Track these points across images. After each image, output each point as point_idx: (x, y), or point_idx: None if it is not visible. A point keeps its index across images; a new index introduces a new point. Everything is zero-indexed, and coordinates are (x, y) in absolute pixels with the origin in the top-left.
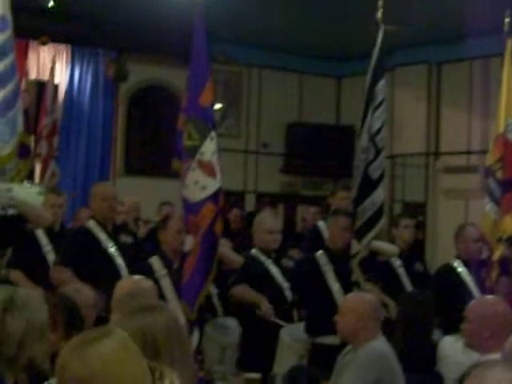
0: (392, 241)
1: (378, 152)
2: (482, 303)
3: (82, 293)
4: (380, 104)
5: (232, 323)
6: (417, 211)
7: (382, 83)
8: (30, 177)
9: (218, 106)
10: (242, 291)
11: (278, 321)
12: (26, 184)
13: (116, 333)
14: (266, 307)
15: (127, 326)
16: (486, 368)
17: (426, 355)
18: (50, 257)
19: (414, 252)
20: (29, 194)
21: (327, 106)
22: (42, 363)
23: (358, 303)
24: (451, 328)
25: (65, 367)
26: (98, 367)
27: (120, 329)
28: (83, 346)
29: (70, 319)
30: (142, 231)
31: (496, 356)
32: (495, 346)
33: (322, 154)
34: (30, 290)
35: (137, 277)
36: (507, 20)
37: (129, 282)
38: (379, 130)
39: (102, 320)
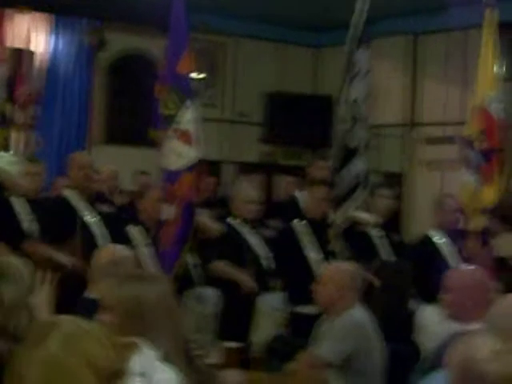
0: (370, 211)
1: (356, 122)
2: (461, 273)
3: None
4: (357, 74)
5: (210, 293)
6: (394, 182)
7: (360, 53)
8: (6, 145)
9: (201, 75)
10: (222, 269)
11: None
12: (0, 153)
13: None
14: (248, 284)
15: (118, 293)
16: (474, 336)
17: (402, 324)
18: (26, 225)
19: (392, 222)
20: (4, 162)
21: (306, 76)
22: (23, 330)
23: (336, 273)
24: (428, 298)
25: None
26: (38, 372)
27: (110, 296)
28: (25, 351)
29: None
30: (118, 200)
31: (477, 326)
32: (477, 315)
33: (300, 123)
34: (14, 257)
35: (116, 245)
36: None
37: (108, 251)
38: (357, 100)
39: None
